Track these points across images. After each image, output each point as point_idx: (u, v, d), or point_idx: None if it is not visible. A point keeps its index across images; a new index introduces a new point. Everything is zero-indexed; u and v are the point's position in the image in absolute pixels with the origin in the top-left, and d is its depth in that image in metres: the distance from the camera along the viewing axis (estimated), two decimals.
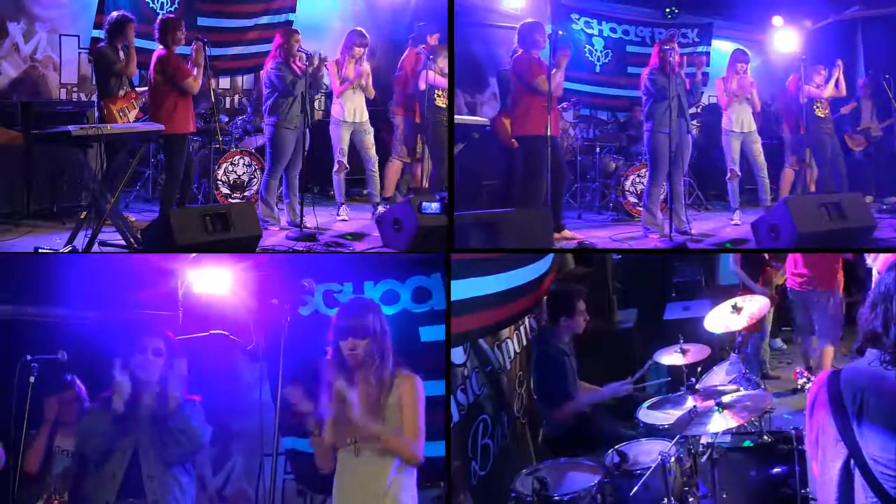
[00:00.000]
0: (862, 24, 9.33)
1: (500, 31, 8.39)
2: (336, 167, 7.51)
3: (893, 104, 8.19)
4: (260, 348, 4.98)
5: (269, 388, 5.12)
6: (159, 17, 7.00)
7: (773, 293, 6.70)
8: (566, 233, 6.99)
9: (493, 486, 4.67)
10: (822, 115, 8.20)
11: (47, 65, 8.06)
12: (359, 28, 7.57)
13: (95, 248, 5.66)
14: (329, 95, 9.13)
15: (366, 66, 7.43)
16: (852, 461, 2.57)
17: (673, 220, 6.90)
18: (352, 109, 7.40)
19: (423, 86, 7.64)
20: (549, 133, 6.64)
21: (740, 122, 7.71)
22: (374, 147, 7.58)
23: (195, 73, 6.57)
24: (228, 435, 5.34)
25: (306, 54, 6.97)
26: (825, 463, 2.65)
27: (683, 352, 5.26)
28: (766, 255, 6.75)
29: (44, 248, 5.71)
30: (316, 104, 8.89)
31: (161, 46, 6.55)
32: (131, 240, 5.81)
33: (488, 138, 7.79)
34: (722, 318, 5.49)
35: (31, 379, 4.13)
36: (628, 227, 7.69)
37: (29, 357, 4.15)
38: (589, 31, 9.37)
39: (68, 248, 5.66)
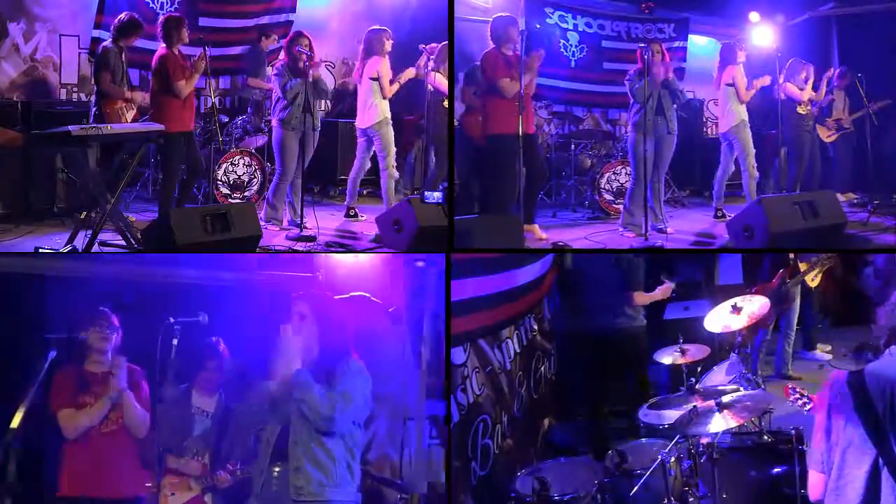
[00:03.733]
0: (837, 20, 9.38)
1: (469, 25, 8.33)
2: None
3: (865, 101, 8.19)
4: (402, 311, 4.94)
5: (412, 352, 5.05)
6: (162, 15, 7.01)
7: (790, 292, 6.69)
8: (535, 228, 6.97)
9: (493, 486, 4.66)
10: (804, 112, 8.20)
11: (47, 65, 8.06)
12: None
13: (95, 248, 5.66)
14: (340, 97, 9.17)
15: None
16: (881, 461, 2.53)
17: (649, 218, 6.90)
18: None
19: (429, 87, 7.60)
20: (520, 132, 6.50)
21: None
22: None
23: (193, 77, 6.60)
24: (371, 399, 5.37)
25: (306, 54, 6.97)
26: (847, 467, 2.58)
27: (683, 352, 5.26)
28: (791, 256, 6.73)
29: (44, 249, 5.71)
30: (321, 105, 8.89)
31: (163, 45, 6.58)
32: (131, 240, 5.81)
33: (456, 137, 7.69)
34: (722, 318, 5.49)
35: (175, 342, 4.18)
36: (604, 226, 7.65)
37: (172, 319, 4.19)
38: (563, 25, 9.31)
39: (68, 248, 5.66)
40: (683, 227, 7.53)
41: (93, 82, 6.92)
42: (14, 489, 4.01)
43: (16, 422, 3.92)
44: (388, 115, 7.38)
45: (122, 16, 6.79)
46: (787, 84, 8.08)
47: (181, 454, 4.65)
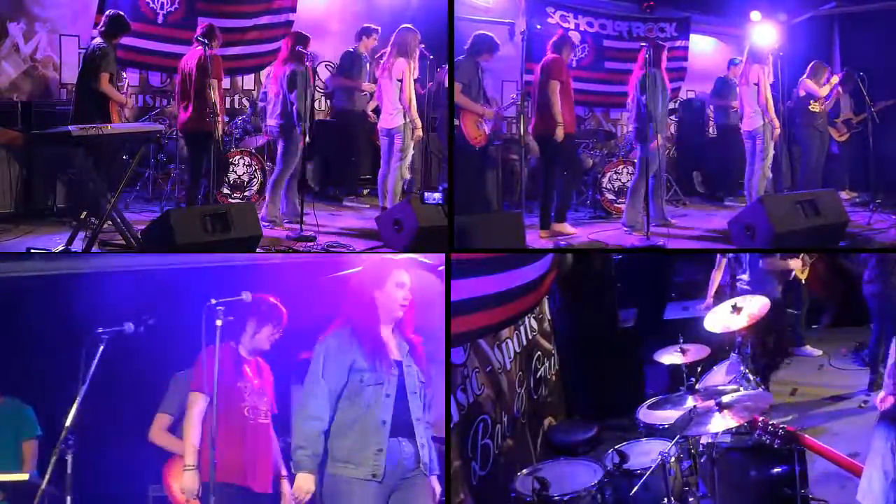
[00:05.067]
0: (839, 19, 9.44)
1: (470, 24, 8.34)
2: None
3: (867, 100, 8.21)
4: None
5: None
6: (161, 14, 7.01)
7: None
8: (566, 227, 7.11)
9: (493, 486, 4.67)
10: (816, 111, 8.20)
11: (47, 65, 8.05)
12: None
13: (96, 247, 5.66)
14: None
15: None
16: None
17: (650, 215, 7.01)
18: None
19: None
20: (521, 132, 7.01)
21: None
22: None
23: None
24: None
25: (307, 55, 7.01)
26: None
27: (683, 352, 5.26)
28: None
29: (35, 249, 5.70)
30: (317, 104, 8.90)
31: (206, 49, 6.68)
32: (131, 240, 5.81)
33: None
34: (722, 318, 5.48)
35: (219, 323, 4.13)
36: (606, 226, 7.70)
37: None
38: (565, 25, 9.32)
39: (60, 248, 5.65)
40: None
41: (77, 84, 6.80)
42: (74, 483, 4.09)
43: (69, 419, 4.02)
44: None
45: (111, 13, 6.70)
46: (807, 80, 8.13)
47: None
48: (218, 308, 4.07)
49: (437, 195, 5.82)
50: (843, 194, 8.20)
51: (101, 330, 4.18)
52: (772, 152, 7.75)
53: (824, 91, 8.21)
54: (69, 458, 4.06)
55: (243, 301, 4.15)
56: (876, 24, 8.76)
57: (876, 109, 8.26)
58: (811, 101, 8.19)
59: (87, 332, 4.20)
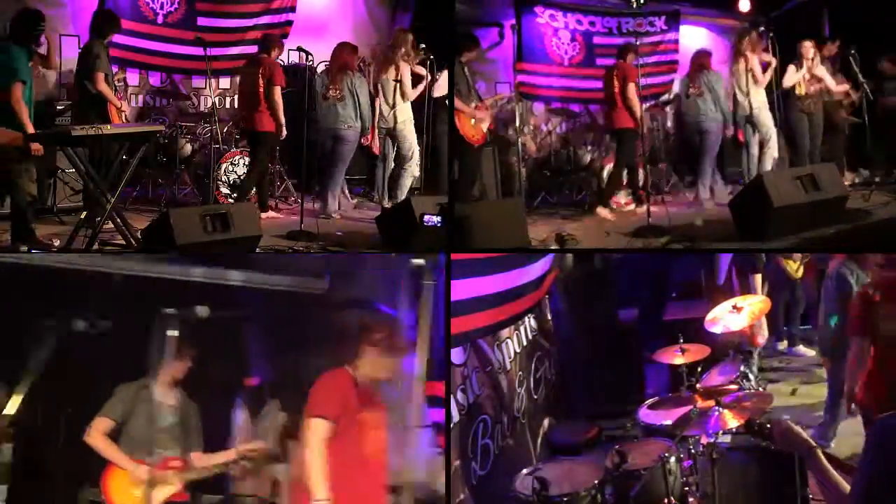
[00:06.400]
0: (828, 4, 9.43)
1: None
2: None
3: (860, 79, 8.13)
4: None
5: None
6: (162, 15, 7.05)
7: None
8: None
9: (493, 486, 4.67)
10: (801, 94, 8.16)
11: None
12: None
13: (95, 248, 5.66)
14: None
15: None
16: None
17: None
18: None
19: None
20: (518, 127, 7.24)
21: None
22: None
23: None
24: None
25: (307, 54, 7.06)
26: None
27: (683, 352, 5.26)
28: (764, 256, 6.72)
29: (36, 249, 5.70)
30: None
31: (266, 55, 7.06)
32: (131, 240, 5.81)
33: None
34: (722, 318, 5.48)
35: None
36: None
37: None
38: (554, 23, 9.32)
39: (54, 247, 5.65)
40: None
41: (74, 85, 6.87)
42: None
43: (12, 406, 3.93)
44: (411, 115, 7.46)
45: (103, 10, 6.74)
46: (791, 65, 8.20)
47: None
48: (170, 318, 3.76)
49: (436, 218, 5.86)
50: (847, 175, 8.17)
51: (50, 323, 4.08)
52: (773, 133, 7.93)
53: (809, 54, 8.14)
54: (5, 448, 3.97)
55: (199, 315, 3.84)
56: (865, 6, 8.74)
57: (868, 87, 8.18)
58: (796, 85, 8.16)
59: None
